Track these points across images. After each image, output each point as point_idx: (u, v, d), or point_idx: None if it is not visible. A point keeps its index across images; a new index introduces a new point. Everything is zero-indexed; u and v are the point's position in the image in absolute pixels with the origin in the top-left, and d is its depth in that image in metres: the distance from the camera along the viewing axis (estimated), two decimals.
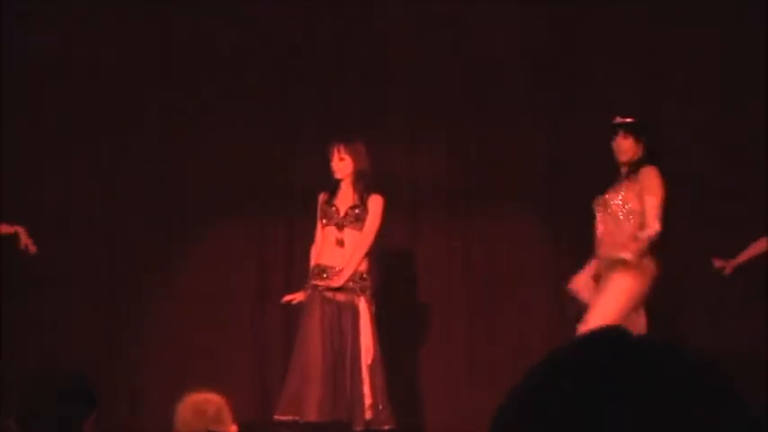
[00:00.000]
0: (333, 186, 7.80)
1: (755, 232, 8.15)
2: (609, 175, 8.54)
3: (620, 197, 7.31)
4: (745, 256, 8.02)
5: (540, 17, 9.23)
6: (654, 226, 7.20)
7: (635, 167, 7.43)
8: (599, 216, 7.40)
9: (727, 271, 8.01)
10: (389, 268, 8.94)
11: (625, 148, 7.46)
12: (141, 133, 9.18)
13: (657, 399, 1.04)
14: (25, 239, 8.09)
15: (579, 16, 9.26)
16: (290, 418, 7.58)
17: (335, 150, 7.73)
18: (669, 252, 7.50)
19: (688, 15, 9.03)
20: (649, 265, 7.26)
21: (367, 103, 9.35)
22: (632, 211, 7.27)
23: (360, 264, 7.76)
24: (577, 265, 8.80)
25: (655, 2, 9.08)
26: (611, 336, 1.09)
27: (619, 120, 7.60)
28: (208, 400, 4.33)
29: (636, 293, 7.26)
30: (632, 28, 9.21)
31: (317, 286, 7.76)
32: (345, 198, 7.79)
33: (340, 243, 7.76)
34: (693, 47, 9.05)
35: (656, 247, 7.25)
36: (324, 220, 7.81)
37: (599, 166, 8.73)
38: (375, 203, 7.76)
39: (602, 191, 8.43)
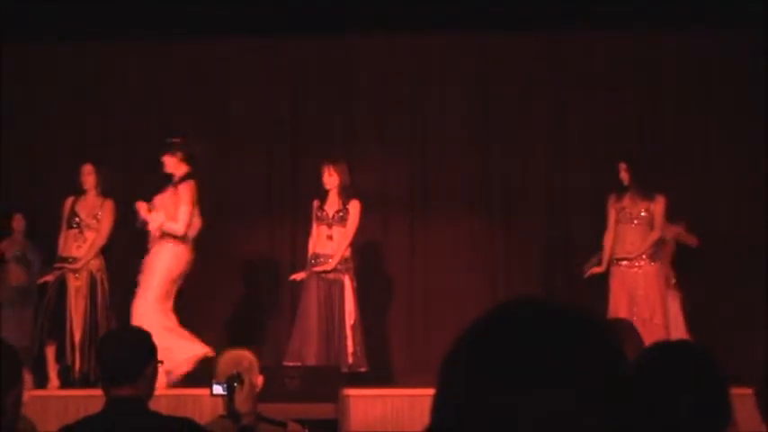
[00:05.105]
0: (323, 195, 8.43)
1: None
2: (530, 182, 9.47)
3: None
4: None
5: (490, 46, 9.41)
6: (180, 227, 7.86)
7: (178, 182, 7.86)
8: None
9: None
10: (366, 255, 9.17)
11: (171, 163, 7.89)
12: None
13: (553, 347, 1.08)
14: None
15: (527, 46, 9.33)
16: (294, 363, 8.05)
17: (326, 168, 8.43)
18: None
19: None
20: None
21: (345, 128, 9.70)
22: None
23: (344, 252, 8.32)
24: (508, 255, 9.25)
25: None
26: (531, 301, 1.13)
27: (174, 140, 7.93)
28: (243, 355, 4.37)
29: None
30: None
31: (313, 271, 8.30)
32: (333, 204, 8.41)
33: (330, 237, 8.35)
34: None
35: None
36: (317, 221, 8.44)
37: (520, 176, 9.56)
38: (354, 207, 8.38)
39: (528, 197, 9.29)
